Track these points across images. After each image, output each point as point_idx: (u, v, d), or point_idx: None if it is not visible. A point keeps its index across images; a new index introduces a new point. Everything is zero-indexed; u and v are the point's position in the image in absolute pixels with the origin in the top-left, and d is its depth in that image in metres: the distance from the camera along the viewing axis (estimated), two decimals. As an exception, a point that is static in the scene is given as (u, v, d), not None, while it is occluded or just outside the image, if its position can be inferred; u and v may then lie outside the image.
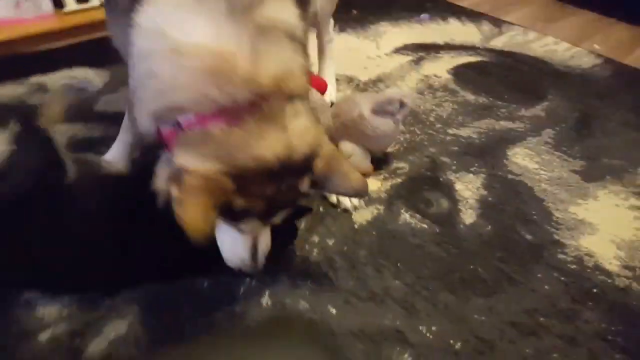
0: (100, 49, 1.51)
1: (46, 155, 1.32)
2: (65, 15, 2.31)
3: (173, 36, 1.00)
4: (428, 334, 1.28)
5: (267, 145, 1.01)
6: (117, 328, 1.24)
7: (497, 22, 2.73)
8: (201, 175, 0.98)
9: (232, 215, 1.08)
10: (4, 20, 2.22)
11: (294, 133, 1.05)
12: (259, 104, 1.01)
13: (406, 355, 1.23)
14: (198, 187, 0.97)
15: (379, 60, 2.38)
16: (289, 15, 1.09)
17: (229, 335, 1.24)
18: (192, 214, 0.95)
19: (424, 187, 1.71)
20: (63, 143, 1.52)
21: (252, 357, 1.22)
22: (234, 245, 1.18)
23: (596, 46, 2.61)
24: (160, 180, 1.07)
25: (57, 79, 2.08)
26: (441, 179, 1.74)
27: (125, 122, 1.61)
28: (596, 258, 1.52)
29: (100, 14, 1.83)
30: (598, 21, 2.88)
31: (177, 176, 0.99)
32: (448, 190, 1.70)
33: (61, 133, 1.71)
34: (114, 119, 1.72)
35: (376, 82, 2.22)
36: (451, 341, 1.27)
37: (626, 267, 1.50)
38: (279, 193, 1.08)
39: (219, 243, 1.19)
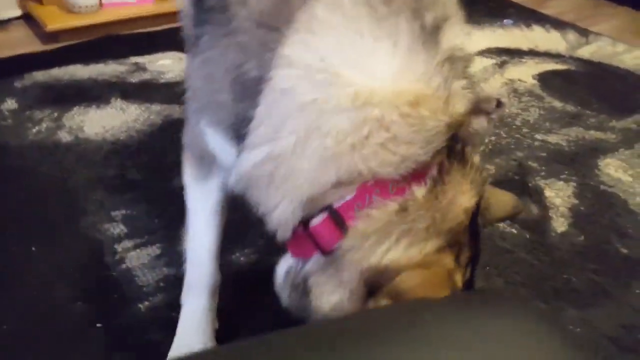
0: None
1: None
2: (164, 1, 2.43)
3: (350, 78, 0.73)
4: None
5: (467, 193, 0.80)
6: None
7: (583, 32, 2.63)
8: (424, 267, 0.75)
9: None
10: (108, 3, 2.39)
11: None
12: (453, 150, 0.80)
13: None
14: (426, 284, 0.75)
15: (463, 62, 2.31)
16: (463, 40, 0.84)
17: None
18: None
19: (511, 190, 1.63)
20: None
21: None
22: None
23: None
24: (327, 299, 0.80)
25: (153, 59, 2.21)
26: (530, 184, 1.67)
27: (198, 256, 1.12)
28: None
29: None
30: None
31: (374, 281, 0.76)
32: (538, 196, 1.62)
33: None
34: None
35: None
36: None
37: None
38: (477, 245, 0.86)
39: None
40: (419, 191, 0.75)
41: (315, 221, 0.78)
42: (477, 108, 1.56)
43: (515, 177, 1.69)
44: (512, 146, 1.83)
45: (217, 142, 0.91)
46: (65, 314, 1.24)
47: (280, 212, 0.79)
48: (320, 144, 0.74)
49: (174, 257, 1.34)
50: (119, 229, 1.45)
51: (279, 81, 0.75)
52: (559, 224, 1.53)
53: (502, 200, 0.96)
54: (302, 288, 0.82)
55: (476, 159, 0.84)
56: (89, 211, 1.49)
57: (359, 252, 0.76)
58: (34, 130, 1.78)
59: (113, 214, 1.49)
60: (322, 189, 0.76)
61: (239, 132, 0.82)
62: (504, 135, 1.88)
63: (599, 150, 1.86)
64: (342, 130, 0.73)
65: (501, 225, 1.50)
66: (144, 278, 1.33)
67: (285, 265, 0.86)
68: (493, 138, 1.85)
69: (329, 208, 0.77)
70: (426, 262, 0.75)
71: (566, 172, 1.73)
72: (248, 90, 0.79)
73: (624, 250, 1.47)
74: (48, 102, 1.90)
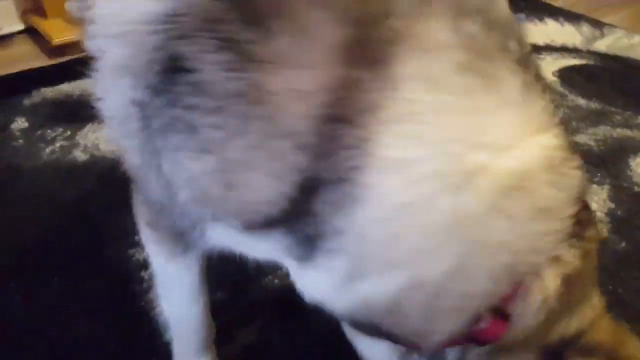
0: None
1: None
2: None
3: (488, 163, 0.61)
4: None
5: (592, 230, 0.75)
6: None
7: (597, 24, 2.58)
8: (600, 317, 0.75)
9: None
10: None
11: None
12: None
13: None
14: (608, 329, 0.75)
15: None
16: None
17: None
18: None
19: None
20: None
21: None
22: None
23: None
24: None
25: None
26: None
27: (187, 329, 1.02)
28: None
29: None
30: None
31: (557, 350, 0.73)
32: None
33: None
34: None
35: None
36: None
37: None
38: None
39: None
40: (574, 256, 0.67)
41: (481, 324, 0.68)
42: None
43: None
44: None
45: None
46: (93, 351, 1.19)
47: (440, 335, 0.69)
48: (484, 262, 0.63)
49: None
50: (144, 254, 1.40)
51: (384, 190, 0.60)
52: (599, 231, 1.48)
53: None
54: None
55: None
56: (111, 237, 1.43)
57: (535, 334, 0.70)
58: (48, 151, 1.72)
59: (137, 238, 1.44)
60: (490, 301, 0.66)
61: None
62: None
63: (628, 149, 1.81)
64: (505, 235, 0.63)
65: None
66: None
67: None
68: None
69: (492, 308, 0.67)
70: (598, 314, 0.75)
71: (599, 175, 1.68)
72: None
73: (667, 256, 1.43)
74: (60, 119, 1.84)
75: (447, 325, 0.67)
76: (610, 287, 1.33)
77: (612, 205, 1.57)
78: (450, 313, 0.66)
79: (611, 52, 2.40)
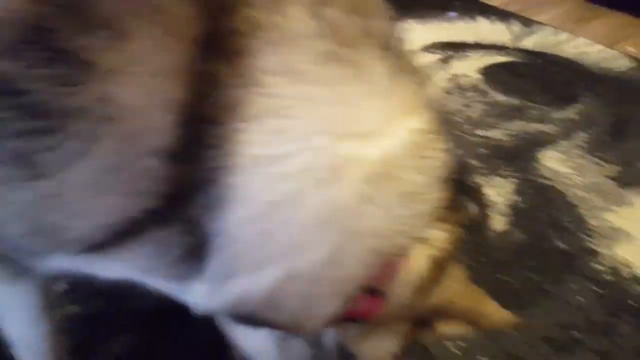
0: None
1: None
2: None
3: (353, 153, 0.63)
4: (454, 349, 1.22)
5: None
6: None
7: (528, 22, 2.64)
8: (465, 287, 0.84)
9: None
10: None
11: None
12: None
13: (432, 373, 1.17)
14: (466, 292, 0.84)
15: (407, 59, 2.31)
16: None
17: None
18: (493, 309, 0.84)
19: (449, 191, 1.63)
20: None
21: None
22: None
23: (631, 49, 2.51)
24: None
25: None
26: (469, 183, 1.67)
27: None
28: (633, 268, 1.44)
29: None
30: (630, 24, 2.78)
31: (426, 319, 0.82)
32: (476, 195, 1.63)
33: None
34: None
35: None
36: (479, 357, 1.21)
37: (665, 279, 1.42)
38: None
39: None
40: (443, 238, 0.74)
41: (357, 303, 0.71)
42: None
43: (454, 177, 1.68)
44: (452, 144, 1.83)
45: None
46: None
47: (318, 319, 0.71)
48: (359, 248, 0.65)
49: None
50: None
51: (253, 189, 0.59)
52: (498, 222, 1.54)
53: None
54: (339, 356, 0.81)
55: None
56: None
57: (407, 309, 0.76)
58: None
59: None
60: (365, 281, 0.69)
61: None
62: (446, 134, 1.88)
63: (538, 143, 1.87)
64: (378, 221, 0.65)
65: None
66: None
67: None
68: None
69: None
70: (461, 283, 0.82)
71: (506, 168, 1.74)
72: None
73: (562, 245, 1.49)
74: None
75: (324, 309, 0.69)
76: (503, 278, 1.38)
77: (517, 198, 1.63)
78: (326, 298, 0.68)
79: (538, 49, 2.46)
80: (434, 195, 0.69)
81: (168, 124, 0.55)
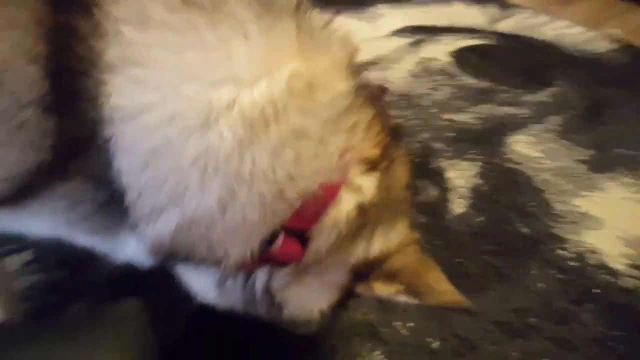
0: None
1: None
2: None
3: (227, 98, 0.62)
4: (403, 331, 1.15)
5: (402, 167, 0.82)
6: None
7: (504, 5, 2.57)
8: (406, 245, 0.81)
9: None
10: None
11: None
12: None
13: (378, 353, 1.11)
14: (414, 258, 0.81)
15: (375, 43, 2.23)
16: None
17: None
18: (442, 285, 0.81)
19: (412, 174, 1.56)
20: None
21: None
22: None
23: (615, 30, 2.43)
24: (312, 305, 0.81)
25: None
26: (431, 166, 1.60)
27: None
28: (600, 255, 1.37)
29: None
30: (614, 5, 2.70)
31: (362, 271, 0.78)
32: (438, 178, 1.56)
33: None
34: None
35: (369, 65, 2.07)
36: (428, 339, 1.14)
37: (634, 266, 1.34)
38: None
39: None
40: (368, 184, 0.72)
41: (276, 246, 0.70)
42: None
43: (416, 160, 1.62)
44: (419, 128, 1.76)
45: None
46: None
47: (233, 258, 0.71)
48: (251, 192, 0.65)
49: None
50: None
51: (132, 139, 0.60)
52: (457, 205, 1.47)
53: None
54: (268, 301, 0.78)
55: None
56: None
57: (339, 255, 0.74)
58: None
59: None
60: (273, 225, 0.68)
61: None
62: (412, 117, 1.81)
63: (508, 126, 1.80)
64: (263, 165, 0.63)
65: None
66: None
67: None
68: (399, 121, 1.78)
69: (284, 228, 0.69)
70: (406, 241, 0.79)
71: (472, 152, 1.67)
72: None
73: (524, 230, 1.41)
74: None
75: (236, 249, 0.69)
76: (457, 260, 1.32)
77: (480, 182, 1.56)
78: (234, 240, 0.68)
79: (514, 32, 2.39)
80: (328, 136, 0.67)
81: (35, 76, 0.56)
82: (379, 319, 1.16)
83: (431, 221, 1.41)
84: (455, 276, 1.24)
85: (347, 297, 0.81)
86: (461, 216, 1.43)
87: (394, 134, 0.77)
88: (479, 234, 1.39)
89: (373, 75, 1.69)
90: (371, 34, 2.29)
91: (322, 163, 0.67)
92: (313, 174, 0.67)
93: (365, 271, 0.78)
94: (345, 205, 0.71)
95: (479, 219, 1.43)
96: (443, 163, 1.61)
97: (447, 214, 1.44)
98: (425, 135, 1.73)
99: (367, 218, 0.73)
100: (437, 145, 1.68)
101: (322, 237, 0.71)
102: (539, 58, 2.20)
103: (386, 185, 0.74)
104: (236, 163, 0.62)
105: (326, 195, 0.69)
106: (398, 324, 1.16)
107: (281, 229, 0.69)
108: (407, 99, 1.87)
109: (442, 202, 1.47)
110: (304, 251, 0.71)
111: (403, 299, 0.81)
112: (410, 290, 0.80)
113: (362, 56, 2.15)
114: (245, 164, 0.63)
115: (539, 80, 2.04)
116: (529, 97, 1.95)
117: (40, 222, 0.69)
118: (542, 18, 2.50)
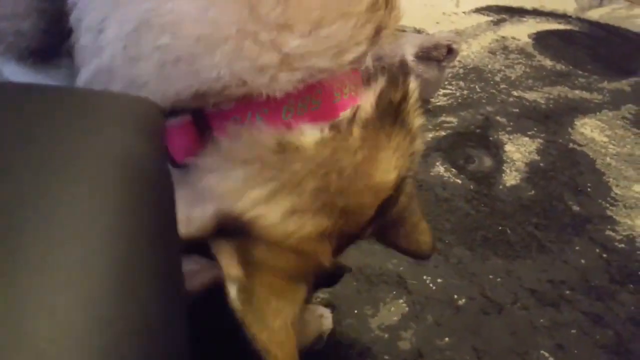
0: None
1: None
2: None
3: None
4: (431, 285, 1.17)
5: (385, 163, 0.59)
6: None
7: (600, -6, 2.49)
8: (294, 251, 0.56)
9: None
10: None
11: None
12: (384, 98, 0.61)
13: (401, 301, 1.13)
14: (285, 270, 0.57)
15: (455, 18, 2.23)
16: None
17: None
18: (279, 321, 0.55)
19: (468, 143, 1.57)
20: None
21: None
22: None
23: None
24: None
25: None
26: (491, 138, 1.60)
27: None
28: (652, 241, 1.33)
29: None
30: None
31: (227, 225, 0.56)
32: (495, 150, 1.56)
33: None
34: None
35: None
36: (455, 296, 1.15)
37: (686, 257, 1.30)
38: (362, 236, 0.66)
39: None
40: (311, 133, 0.54)
41: (173, 122, 0.55)
42: (427, 55, 1.49)
43: (476, 131, 1.62)
44: (484, 100, 1.75)
45: None
46: None
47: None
48: (156, 44, 0.52)
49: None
50: None
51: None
52: (510, 177, 1.46)
53: (421, 234, 0.75)
54: None
55: (417, 121, 0.63)
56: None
57: (221, 182, 0.55)
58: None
59: None
60: (176, 98, 0.53)
61: None
62: (478, 90, 1.80)
63: (579, 109, 1.76)
64: (186, 19, 0.51)
65: (447, 175, 1.45)
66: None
67: None
68: (465, 92, 1.78)
69: (195, 111, 0.55)
70: (300, 247, 0.56)
71: (535, 129, 1.65)
72: None
73: (576, 208, 1.40)
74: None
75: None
76: (500, 228, 1.32)
77: (537, 158, 1.55)
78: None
79: (603, 20, 2.31)
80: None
81: None
82: (409, 272, 1.18)
83: (480, 189, 1.42)
84: (494, 241, 1.28)
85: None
86: (512, 188, 1.43)
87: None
88: (527, 207, 1.38)
89: (443, 36, 1.71)
90: (453, 9, 2.28)
91: (267, 61, 0.52)
92: (247, 70, 0.52)
93: (226, 227, 0.57)
94: (269, 133, 0.55)
95: (530, 193, 1.42)
96: (503, 136, 1.61)
97: (499, 184, 1.44)
98: (489, 108, 1.72)
99: (283, 167, 0.55)
100: (500, 119, 1.68)
101: (226, 147, 0.56)
102: (626, 48, 2.13)
103: (333, 152, 0.56)
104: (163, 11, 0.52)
105: (263, 110, 0.54)
106: (427, 278, 1.18)
107: (191, 112, 0.56)
108: (477, 72, 1.87)
109: (495, 172, 1.48)
110: (198, 150, 0.56)
111: None
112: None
113: (440, 28, 2.18)
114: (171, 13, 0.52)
115: (620, 69, 1.98)
116: (607, 84, 1.89)
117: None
118: (638, 10, 2.40)
